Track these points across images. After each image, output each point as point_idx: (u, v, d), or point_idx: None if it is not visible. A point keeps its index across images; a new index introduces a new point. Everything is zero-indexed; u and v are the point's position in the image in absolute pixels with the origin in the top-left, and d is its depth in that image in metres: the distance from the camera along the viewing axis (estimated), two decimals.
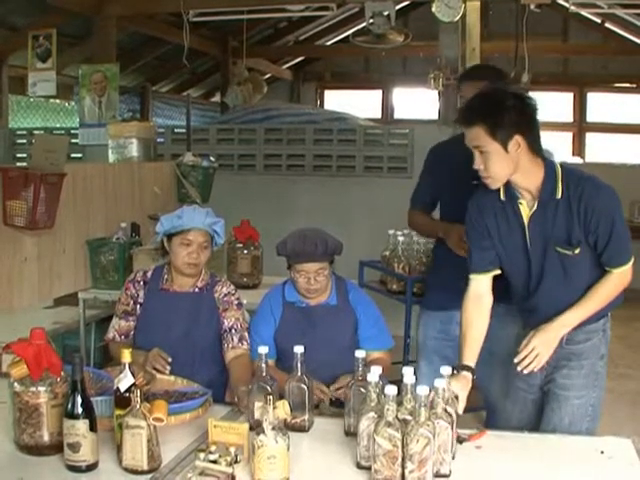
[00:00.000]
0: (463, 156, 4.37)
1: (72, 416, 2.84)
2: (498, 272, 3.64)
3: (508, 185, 3.43)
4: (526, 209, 3.45)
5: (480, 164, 3.37)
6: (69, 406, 2.85)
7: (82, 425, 2.85)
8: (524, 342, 3.46)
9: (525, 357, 3.43)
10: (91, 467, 2.87)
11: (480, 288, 3.63)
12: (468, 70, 4.61)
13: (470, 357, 3.47)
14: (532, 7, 7.63)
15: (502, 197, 3.49)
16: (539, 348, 3.43)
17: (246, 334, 4.14)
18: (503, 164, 3.33)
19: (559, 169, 3.40)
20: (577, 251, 3.40)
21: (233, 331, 4.11)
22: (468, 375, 3.37)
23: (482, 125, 3.28)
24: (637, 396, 6.76)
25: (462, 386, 3.27)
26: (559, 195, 3.37)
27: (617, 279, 3.47)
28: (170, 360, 3.76)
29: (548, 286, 3.53)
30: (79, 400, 2.84)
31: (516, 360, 3.47)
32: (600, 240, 3.38)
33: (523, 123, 3.30)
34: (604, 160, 13.19)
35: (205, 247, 4.12)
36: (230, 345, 4.09)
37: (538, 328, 3.47)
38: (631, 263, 3.46)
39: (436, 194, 4.69)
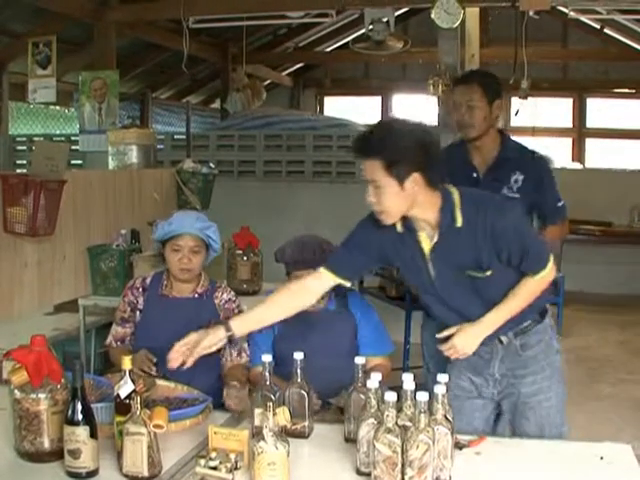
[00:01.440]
0: (462, 165, 4.42)
1: (72, 423, 2.83)
2: (346, 284, 3.58)
3: (405, 217, 3.32)
4: (427, 240, 3.35)
5: (373, 197, 3.20)
6: (69, 413, 2.84)
7: (82, 432, 2.84)
8: (447, 343, 3.43)
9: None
10: (91, 474, 2.86)
11: (314, 284, 3.58)
12: (461, 75, 4.61)
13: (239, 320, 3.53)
14: (531, 14, 7.63)
15: (399, 229, 3.37)
16: (460, 348, 3.43)
17: (245, 345, 4.15)
18: (398, 200, 3.18)
19: (457, 198, 3.28)
20: (489, 273, 3.34)
21: (232, 343, 4.12)
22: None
23: (379, 160, 3.11)
24: (638, 402, 6.76)
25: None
26: (459, 224, 3.26)
27: (539, 282, 3.42)
28: (155, 361, 3.77)
29: (460, 305, 3.49)
30: (79, 407, 2.83)
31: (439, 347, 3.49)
32: (514, 257, 3.33)
33: (423, 160, 3.14)
34: (604, 166, 13.21)
35: (196, 252, 4.12)
36: (229, 359, 4.12)
37: (461, 327, 3.43)
38: (550, 265, 3.39)
39: None
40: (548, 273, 3.40)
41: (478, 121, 4.38)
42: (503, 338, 3.55)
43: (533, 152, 4.60)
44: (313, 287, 3.58)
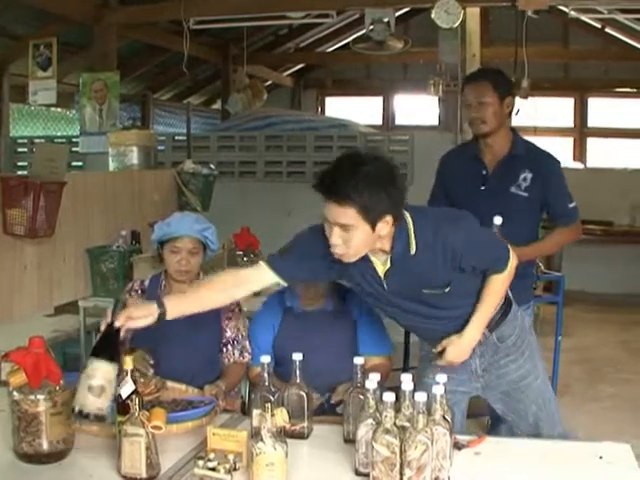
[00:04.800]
0: (472, 162, 4.43)
1: (104, 358, 2.90)
2: (283, 283, 3.51)
3: None
4: (380, 266, 3.31)
5: (338, 239, 3.11)
6: (102, 347, 2.93)
7: (112, 370, 2.91)
8: (443, 357, 3.47)
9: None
10: (100, 418, 2.92)
11: (254, 276, 3.48)
12: (471, 73, 4.62)
13: (175, 300, 3.40)
14: (529, 13, 7.62)
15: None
16: (455, 359, 3.47)
17: (247, 344, 4.17)
18: (366, 242, 3.13)
19: (411, 225, 3.22)
20: (447, 289, 3.34)
21: (235, 343, 4.15)
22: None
23: (352, 206, 3.00)
24: (639, 401, 6.75)
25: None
26: (413, 251, 3.22)
27: (506, 276, 3.44)
28: (152, 362, 3.78)
29: (420, 320, 3.51)
30: (114, 342, 2.95)
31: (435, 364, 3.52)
32: (478, 265, 3.35)
33: (395, 201, 3.09)
34: (605, 165, 13.20)
35: (194, 253, 4.13)
36: (232, 359, 4.14)
37: (451, 341, 3.44)
38: (512, 256, 3.41)
39: (449, 202, 4.64)
40: (512, 264, 3.43)
41: (489, 117, 4.40)
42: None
43: (544, 152, 4.61)
44: (252, 279, 3.48)
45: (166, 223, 4.15)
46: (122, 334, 3.12)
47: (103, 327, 3.11)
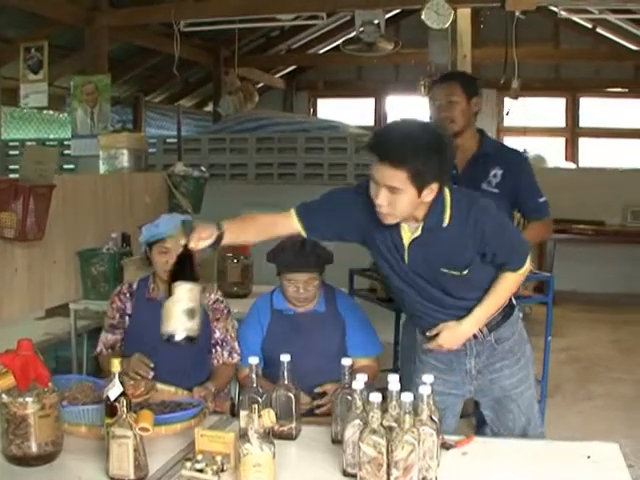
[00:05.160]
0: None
1: (187, 280, 3.03)
2: (303, 234, 3.53)
3: None
4: (407, 233, 3.35)
5: (384, 201, 3.16)
6: (180, 271, 3.06)
7: (197, 290, 3.06)
8: (435, 340, 3.49)
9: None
10: (192, 340, 3.07)
11: (284, 223, 3.53)
12: (439, 76, 4.69)
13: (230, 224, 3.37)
14: (517, 14, 7.63)
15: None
16: (446, 344, 3.48)
17: (236, 345, 4.19)
18: (411, 206, 3.20)
19: (448, 198, 3.29)
20: (465, 272, 3.37)
21: (224, 344, 4.17)
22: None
23: (405, 170, 3.07)
24: (631, 400, 6.77)
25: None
26: (445, 224, 3.28)
27: (518, 277, 3.48)
28: (152, 365, 3.79)
29: (427, 306, 3.52)
30: (190, 264, 3.07)
31: (424, 346, 3.56)
32: (499, 256, 3.38)
33: (443, 171, 3.18)
34: (597, 165, 13.23)
35: None
36: (221, 361, 4.15)
37: (447, 325, 3.47)
38: (528, 261, 3.46)
39: None
40: (527, 268, 3.46)
41: (458, 116, 4.46)
42: (477, 333, 3.56)
43: (512, 149, 4.67)
44: (282, 224, 3.53)
45: (154, 224, 4.16)
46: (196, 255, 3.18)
47: (179, 251, 3.15)
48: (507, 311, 3.61)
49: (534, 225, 4.63)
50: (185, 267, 3.10)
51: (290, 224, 3.49)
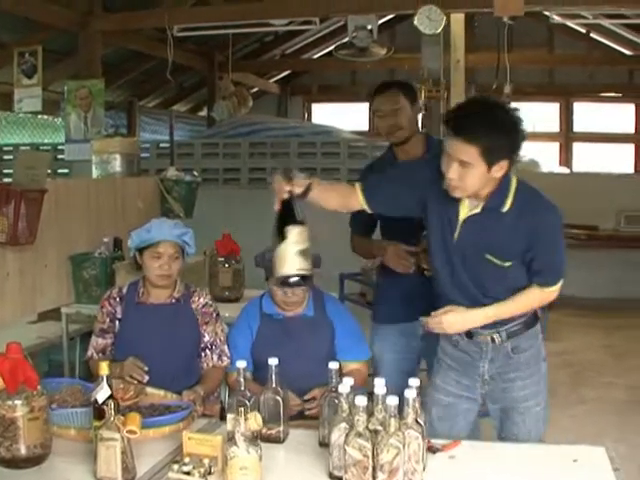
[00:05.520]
0: (390, 166, 4.46)
1: (296, 223, 3.23)
2: (367, 209, 3.65)
3: None
4: (465, 209, 3.42)
5: (454, 174, 3.26)
6: (287, 215, 3.26)
7: (306, 231, 3.25)
8: (438, 314, 3.49)
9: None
10: (307, 279, 3.29)
11: (351, 194, 3.64)
12: (378, 86, 4.66)
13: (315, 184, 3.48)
14: (505, 19, 7.66)
15: (444, 186, 3.39)
16: (445, 325, 3.48)
17: (225, 348, 4.20)
18: (480, 181, 3.27)
19: (514, 184, 3.37)
20: (507, 264, 3.40)
21: (213, 348, 4.18)
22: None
23: (477, 145, 3.17)
24: (622, 404, 6.81)
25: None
26: (505, 209, 3.35)
27: (544, 295, 3.50)
28: (147, 369, 3.80)
29: (459, 285, 3.53)
30: (295, 207, 3.29)
31: (423, 320, 3.55)
32: (537, 259, 3.40)
33: (514, 149, 3.27)
34: (591, 170, 13.26)
35: (176, 258, 4.17)
36: (210, 364, 4.17)
37: (456, 308, 3.48)
38: (558, 286, 3.47)
39: (373, 215, 4.63)
40: (554, 290, 3.49)
41: (405, 122, 4.44)
42: (495, 337, 3.58)
43: None
44: (353, 199, 3.65)
45: (145, 229, 4.18)
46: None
47: (284, 195, 3.33)
48: (529, 322, 3.61)
49: None
50: (291, 211, 3.30)
51: (356, 199, 3.63)
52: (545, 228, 3.36)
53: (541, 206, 3.38)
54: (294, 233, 3.23)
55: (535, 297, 3.49)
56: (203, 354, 4.19)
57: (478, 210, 3.39)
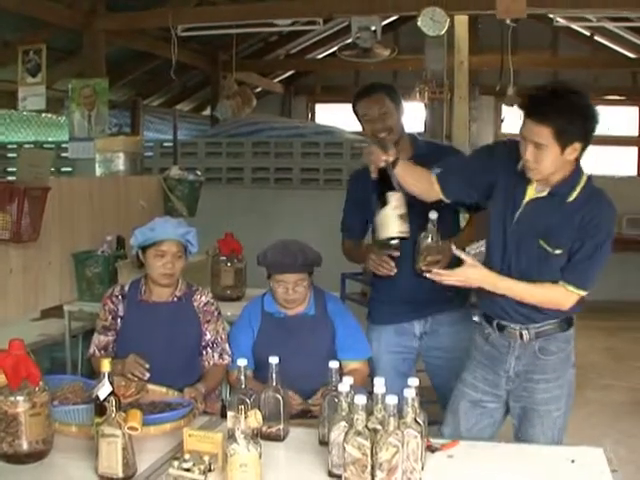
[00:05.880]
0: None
1: (394, 190, 3.63)
2: (445, 199, 3.82)
3: None
4: (532, 191, 3.50)
5: (530, 156, 3.35)
6: (384, 182, 3.65)
7: (404, 197, 3.65)
8: (458, 268, 3.54)
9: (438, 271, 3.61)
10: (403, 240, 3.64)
11: (434, 187, 3.78)
12: (362, 90, 4.62)
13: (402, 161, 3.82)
14: (507, 21, 7.68)
15: (519, 167, 3.51)
16: (461, 274, 3.53)
17: (226, 346, 4.22)
18: (554, 164, 3.34)
19: (584, 178, 3.45)
20: (557, 252, 3.44)
21: (215, 346, 4.19)
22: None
23: (550, 126, 3.26)
24: (620, 406, 6.83)
25: None
26: (571, 198, 3.42)
27: (562, 295, 3.49)
28: (148, 366, 3.82)
29: (512, 263, 3.57)
30: (392, 175, 3.68)
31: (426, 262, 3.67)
32: (578, 254, 3.42)
33: (587, 132, 3.33)
34: (594, 172, 13.22)
35: (179, 257, 4.18)
36: (211, 362, 4.18)
37: (478, 265, 3.53)
38: (581, 293, 3.47)
39: (363, 220, 4.59)
40: (575, 295, 3.49)
41: (393, 125, 4.39)
42: (524, 333, 3.62)
43: (446, 146, 4.70)
44: (431, 185, 3.81)
45: (149, 228, 4.19)
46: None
47: (381, 164, 3.71)
48: (562, 325, 3.63)
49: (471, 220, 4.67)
50: (389, 179, 3.66)
51: (435, 188, 3.80)
52: (599, 223, 3.40)
53: (604, 202, 3.45)
54: (394, 198, 3.60)
55: (554, 293, 3.50)
56: (204, 352, 4.20)
57: (544, 194, 3.47)
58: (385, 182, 3.68)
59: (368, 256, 4.29)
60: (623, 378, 7.67)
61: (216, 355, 4.19)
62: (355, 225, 4.61)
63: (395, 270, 4.19)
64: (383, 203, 3.64)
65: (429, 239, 3.81)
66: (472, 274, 3.52)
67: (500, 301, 3.60)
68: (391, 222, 3.62)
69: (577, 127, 3.28)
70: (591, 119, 3.33)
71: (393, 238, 3.50)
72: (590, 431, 6.08)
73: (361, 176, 4.59)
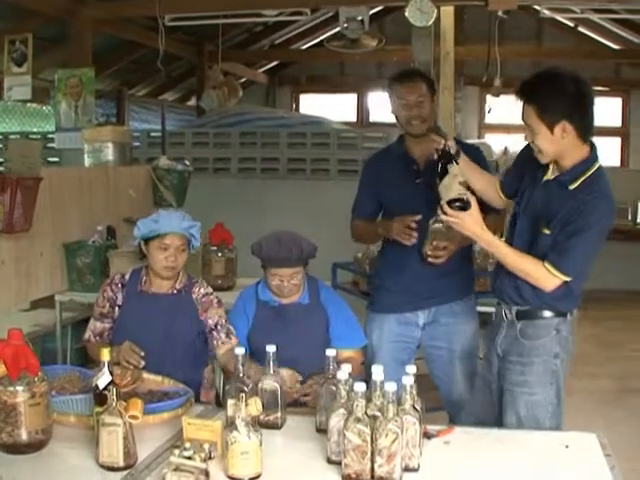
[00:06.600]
0: (400, 161, 4.50)
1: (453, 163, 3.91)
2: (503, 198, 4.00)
3: None
4: (548, 173, 3.59)
5: (530, 139, 3.51)
6: (445, 158, 3.92)
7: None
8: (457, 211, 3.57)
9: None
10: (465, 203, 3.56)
11: (495, 185, 3.99)
12: (400, 74, 4.60)
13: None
14: (499, 13, 7.70)
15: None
16: (460, 221, 3.55)
17: (231, 327, 4.21)
18: (552, 146, 3.43)
19: (592, 169, 3.48)
20: (546, 231, 3.51)
21: (219, 327, 4.19)
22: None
23: (532, 105, 3.40)
24: (607, 394, 6.89)
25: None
26: (572, 187, 3.46)
27: (543, 273, 3.51)
28: (143, 354, 3.81)
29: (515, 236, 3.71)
30: (450, 153, 3.93)
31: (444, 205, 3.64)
32: (560, 235, 3.45)
33: (574, 110, 3.37)
34: None
35: (182, 250, 4.17)
36: (220, 341, 4.18)
37: (475, 216, 3.55)
38: (560, 275, 3.49)
39: (377, 204, 4.68)
40: (554, 278, 3.51)
41: (427, 114, 4.43)
42: (507, 312, 3.72)
43: (468, 144, 4.71)
44: (492, 185, 4.02)
45: (153, 220, 4.16)
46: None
47: (440, 146, 3.99)
48: (541, 311, 3.66)
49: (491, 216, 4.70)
50: (448, 154, 3.96)
51: (496, 188, 3.99)
52: (584, 210, 3.41)
53: (599, 194, 3.46)
54: (455, 168, 3.90)
55: (536, 268, 3.52)
56: (211, 335, 4.18)
57: (552, 177, 3.56)
58: (445, 157, 3.95)
59: (393, 223, 4.34)
60: (606, 366, 7.74)
61: (223, 335, 4.17)
62: (367, 205, 4.69)
63: (414, 240, 4.23)
64: (444, 173, 3.91)
65: (439, 224, 3.94)
66: (469, 222, 3.54)
67: (497, 278, 3.74)
68: (454, 186, 3.83)
69: (559, 104, 3.36)
70: (575, 96, 3.38)
71: (456, 200, 3.57)
72: (577, 419, 6.09)
73: (374, 162, 4.65)
